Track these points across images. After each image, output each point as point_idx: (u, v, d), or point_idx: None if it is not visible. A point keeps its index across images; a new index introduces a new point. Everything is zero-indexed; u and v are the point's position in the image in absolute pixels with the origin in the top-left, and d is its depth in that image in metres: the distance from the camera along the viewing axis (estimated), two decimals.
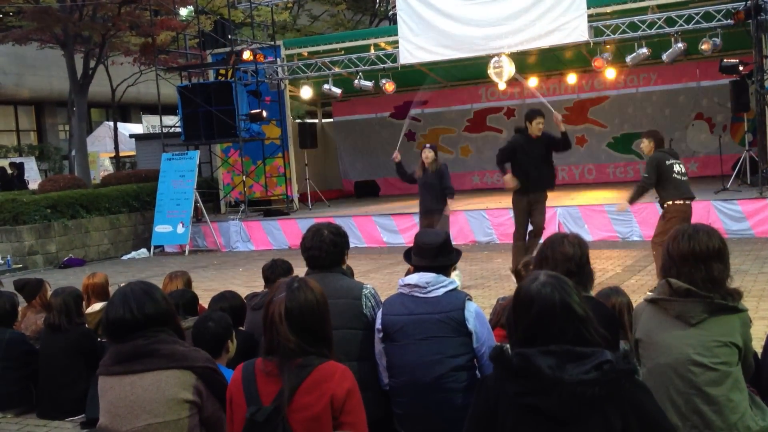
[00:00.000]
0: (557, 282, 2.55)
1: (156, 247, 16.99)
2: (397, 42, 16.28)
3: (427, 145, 10.26)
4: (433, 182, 9.92)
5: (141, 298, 3.22)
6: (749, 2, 13.22)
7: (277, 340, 2.93)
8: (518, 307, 2.56)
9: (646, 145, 8.88)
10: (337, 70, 17.21)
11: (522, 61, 16.77)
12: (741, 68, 14.57)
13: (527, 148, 9.43)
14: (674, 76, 19.02)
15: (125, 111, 31.16)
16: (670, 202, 8.69)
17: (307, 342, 2.94)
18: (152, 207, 17.17)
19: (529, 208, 9.56)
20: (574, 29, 14.69)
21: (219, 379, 3.29)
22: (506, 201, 10.67)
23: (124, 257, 16.84)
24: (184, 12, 17.51)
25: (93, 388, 4.36)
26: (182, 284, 5.79)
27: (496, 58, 15.50)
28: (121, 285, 3.37)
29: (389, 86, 16.89)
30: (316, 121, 23.19)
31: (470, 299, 3.94)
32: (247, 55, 16.82)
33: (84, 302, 5.95)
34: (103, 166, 28.03)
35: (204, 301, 5.61)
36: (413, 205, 14.07)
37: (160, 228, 16.78)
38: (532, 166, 9.42)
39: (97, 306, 6.07)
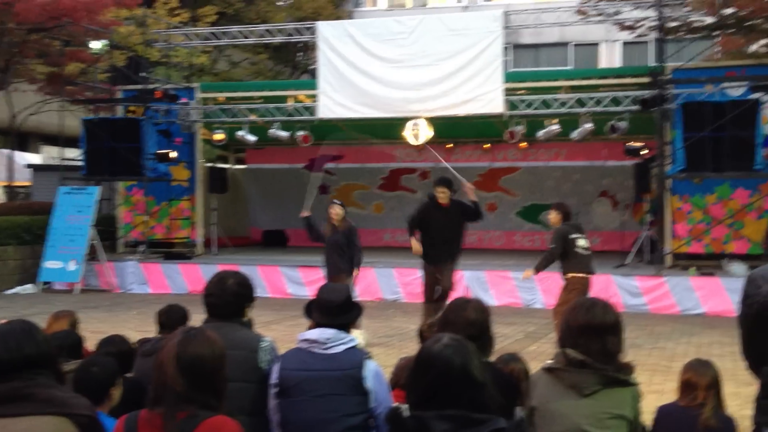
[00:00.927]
0: (459, 345, 2.57)
1: (44, 283, 16.24)
2: (315, 96, 16.36)
3: (336, 202, 10.13)
4: (342, 242, 9.81)
5: (21, 338, 3.01)
6: (655, 91, 13.91)
7: (164, 384, 2.80)
8: (418, 367, 2.56)
9: (553, 216, 9.12)
10: (253, 118, 17.13)
11: (439, 126, 17.09)
12: (644, 152, 15.29)
13: (435, 216, 9.51)
14: (582, 153, 19.74)
15: (24, 140, 29.95)
16: (571, 275, 8.91)
17: (197, 393, 2.81)
18: (44, 241, 16.43)
19: (437, 276, 9.61)
20: (490, 101, 15.11)
21: (98, 428, 3.09)
22: (417, 259, 10.74)
23: (8, 292, 15.99)
24: (97, 45, 17.10)
25: None
26: (68, 325, 5.49)
27: (413, 121, 15.79)
28: (1, 322, 3.17)
29: (305, 138, 16.89)
30: (228, 166, 22.95)
31: (370, 358, 3.88)
32: (160, 94, 16.56)
33: None
34: None
35: (91, 344, 5.35)
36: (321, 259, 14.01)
37: (50, 264, 16.08)
38: (438, 234, 9.48)
39: None
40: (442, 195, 9.44)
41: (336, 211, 9.84)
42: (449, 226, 9.50)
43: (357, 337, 4.03)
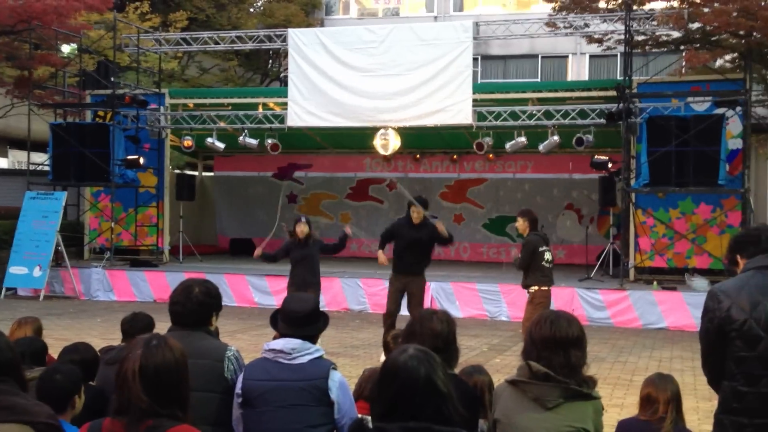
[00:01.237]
0: (425, 356, 2.57)
1: (8, 289, 16.00)
2: (285, 103, 16.34)
3: (302, 219, 10.15)
4: (312, 254, 9.94)
5: None
6: (621, 105, 14.08)
7: (128, 399, 2.77)
8: (383, 378, 2.57)
9: (521, 224, 9.21)
10: (222, 124, 17.06)
11: (408, 136, 17.17)
12: (610, 165, 15.46)
13: (405, 232, 9.64)
14: (549, 166, 19.91)
15: None
16: (536, 288, 9.00)
17: (161, 403, 2.78)
18: (9, 246, 16.21)
19: (403, 289, 9.66)
20: (459, 112, 15.19)
21: None
22: (384, 270, 10.75)
23: None
24: (66, 49, 16.92)
25: None
26: (32, 331, 5.42)
27: (383, 131, 15.84)
28: None
29: (274, 146, 16.84)
30: (196, 173, 22.81)
31: (335, 368, 3.88)
32: (129, 100, 16.44)
33: None
34: None
35: (55, 351, 5.28)
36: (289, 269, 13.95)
37: (14, 269, 15.83)
38: (408, 249, 9.59)
39: None
40: (414, 213, 9.58)
41: (301, 229, 9.93)
42: (418, 243, 9.61)
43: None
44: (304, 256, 9.87)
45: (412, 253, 9.62)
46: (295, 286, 9.73)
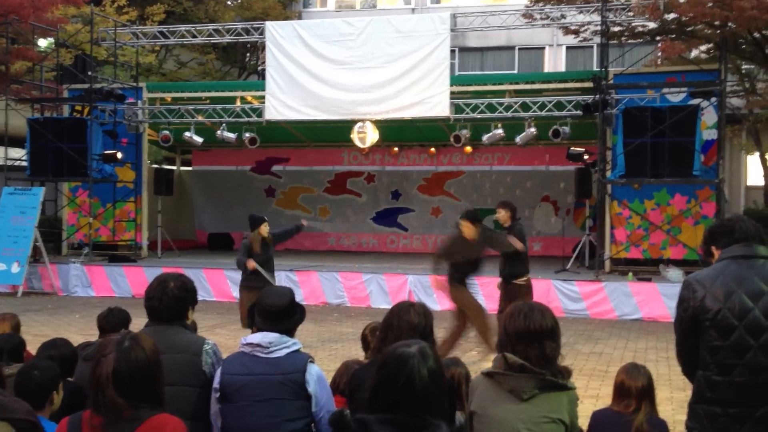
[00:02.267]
0: (426, 353, 2.66)
1: None
2: (263, 97, 16.31)
3: (265, 219, 9.92)
4: (272, 255, 9.80)
5: None
6: (597, 96, 14.17)
7: (103, 402, 2.83)
8: (387, 377, 2.61)
9: (503, 215, 9.26)
10: (200, 118, 16.99)
11: (386, 129, 17.18)
12: (586, 157, 15.56)
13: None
14: (526, 158, 20.00)
15: None
16: (527, 277, 9.11)
17: (137, 401, 2.85)
18: None
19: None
20: (437, 104, 15.23)
21: None
22: (362, 263, 10.75)
23: None
24: (43, 43, 16.78)
25: None
26: (9, 328, 5.42)
27: (360, 124, 15.86)
28: None
29: (252, 140, 16.79)
30: (174, 168, 22.71)
31: (312, 362, 3.91)
32: (106, 94, 16.35)
33: None
34: None
35: (33, 347, 5.28)
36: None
37: None
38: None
39: None
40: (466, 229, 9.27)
41: (267, 229, 9.69)
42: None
43: None
44: (267, 259, 9.65)
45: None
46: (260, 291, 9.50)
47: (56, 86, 18.65)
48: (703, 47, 17.15)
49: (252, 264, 9.38)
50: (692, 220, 14.82)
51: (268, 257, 9.68)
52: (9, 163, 17.79)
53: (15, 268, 15.55)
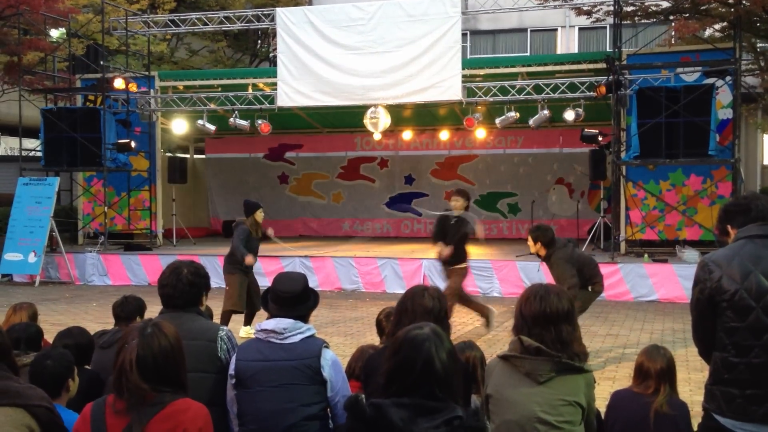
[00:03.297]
0: (435, 337, 2.63)
1: (3, 275, 16.02)
2: (275, 84, 16.29)
3: (261, 204, 10.17)
4: (258, 243, 9.96)
5: None
6: (611, 77, 14.06)
7: (126, 387, 2.87)
8: (401, 363, 2.59)
9: (459, 203, 9.38)
10: (212, 106, 17.00)
11: (398, 114, 17.14)
12: (600, 138, 15.45)
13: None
14: (539, 141, 19.89)
15: None
16: (464, 265, 9.39)
17: (161, 386, 2.90)
18: (3, 233, 16.22)
19: None
20: (449, 88, 15.17)
21: (55, 419, 3.10)
22: (374, 250, 10.76)
23: None
24: (55, 33, 16.83)
25: None
26: (27, 317, 5.46)
27: (372, 109, 15.81)
28: None
29: (265, 127, 16.79)
30: (188, 156, 22.76)
31: (327, 347, 3.91)
32: (119, 83, 16.38)
33: None
34: None
35: (50, 336, 5.31)
36: (281, 248, 13.98)
37: (9, 256, 15.84)
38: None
39: None
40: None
41: (262, 216, 9.92)
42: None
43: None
44: (258, 245, 9.95)
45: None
46: (246, 271, 9.67)
47: (69, 76, 18.70)
48: (718, 26, 16.94)
49: (251, 260, 9.60)
50: (708, 201, 14.72)
51: (258, 242, 9.94)
52: (24, 153, 17.89)
53: (32, 258, 15.67)
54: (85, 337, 4.91)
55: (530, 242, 8.08)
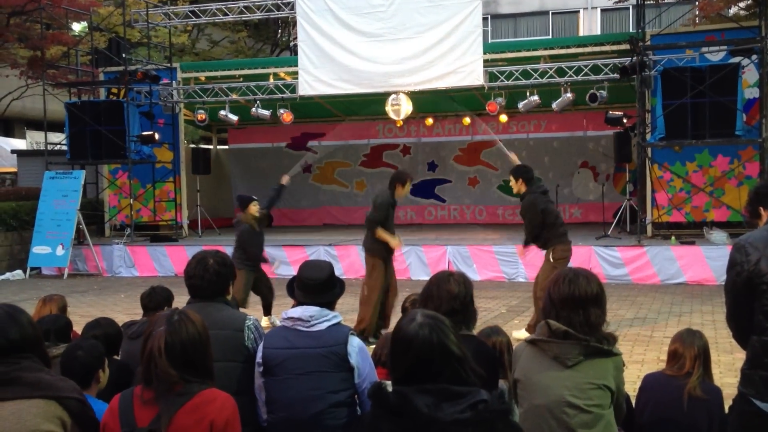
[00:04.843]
0: (435, 323, 2.55)
1: (33, 269, 16.22)
2: (296, 73, 16.29)
3: (255, 198, 10.12)
4: (262, 236, 10.03)
5: (5, 322, 3.02)
6: (635, 58, 13.89)
7: (155, 374, 2.88)
8: (396, 348, 2.56)
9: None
10: (234, 96, 17.04)
11: (419, 100, 17.06)
12: (625, 121, 15.29)
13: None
14: (563, 124, 19.74)
15: (8, 125, 29.79)
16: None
17: (188, 375, 2.91)
18: (31, 227, 16.42)
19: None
20: (470, 73, 15.07)
21: (86, 411, 3.12)
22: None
23: None
24: (77, 27, 16.97)
25: None
26: (56, 309, 5.51)
27: (394, 96, 15.76)
28: None
29: (287, 116, 16.80)
30: (211, 147, 22.86)
31: (354, 334, 3.91)
32: (141, 75, 16.47)
33: None
34: None
35: (79, 328, 5.36)
36: (306, 238, 14.02)
37: (38, 249, 16.04)
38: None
39: None
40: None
41: (257, 209, 9.90)
42: None
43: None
44: (262, 242, 9.99)
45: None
46: (253, 265, 9.77)
47: (92, 70, 18.84)
48: (742, 4, 16.72)
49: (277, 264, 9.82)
50: (735, 181, 14.53)
51: (258, 233, 9.94)
52: (49, 147, 18.06)
53: (60, 251, 15.85)
54: (113, 328, 4.95)
55: (512, 182, 8.92)
